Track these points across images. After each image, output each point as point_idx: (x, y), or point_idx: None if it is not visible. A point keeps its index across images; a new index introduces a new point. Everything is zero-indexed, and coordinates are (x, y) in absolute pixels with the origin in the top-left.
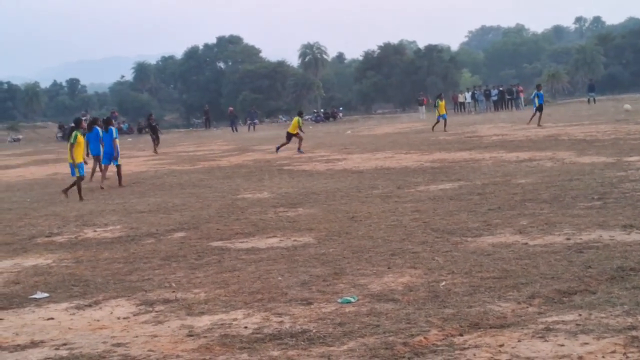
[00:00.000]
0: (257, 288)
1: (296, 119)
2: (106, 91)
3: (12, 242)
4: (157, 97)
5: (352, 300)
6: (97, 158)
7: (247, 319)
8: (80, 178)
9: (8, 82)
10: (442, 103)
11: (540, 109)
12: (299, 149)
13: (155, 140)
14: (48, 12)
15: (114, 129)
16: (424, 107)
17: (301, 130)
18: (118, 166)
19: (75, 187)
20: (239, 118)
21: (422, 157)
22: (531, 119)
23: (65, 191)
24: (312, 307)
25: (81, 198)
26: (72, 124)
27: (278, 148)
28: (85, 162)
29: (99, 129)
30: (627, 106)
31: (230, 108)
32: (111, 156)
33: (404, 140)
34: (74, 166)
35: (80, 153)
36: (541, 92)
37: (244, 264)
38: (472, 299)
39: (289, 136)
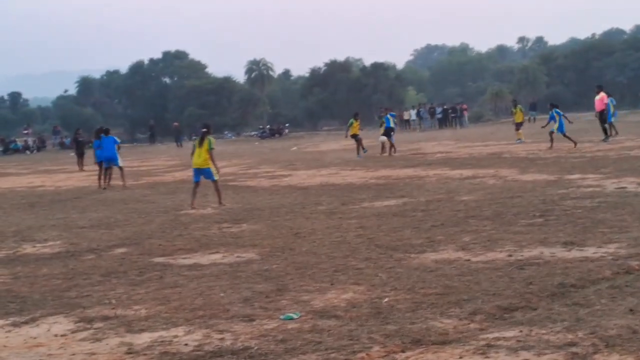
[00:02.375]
0: (199, 305)
1: (351, 120)
2: (49, 105)
3: None
4: (102, 112)
5: (295, 316)
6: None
7: (187, 336)
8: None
9: None
10: (356, 123)
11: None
12: (358, 153)
13: (80, 156)
14: None
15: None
16: None
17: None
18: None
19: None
20: (184, 133)
21: (367, 173)
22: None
23: (221, 201)
24: (254, 323)
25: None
26: (204, 130)
27: (359, 151)
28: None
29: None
30: (383, 138)
31: (175, 123)
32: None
33: (349, 156)
34: (213, 170)
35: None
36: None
37: (186, 280)
38: (414, 315)
39: (356, 137)
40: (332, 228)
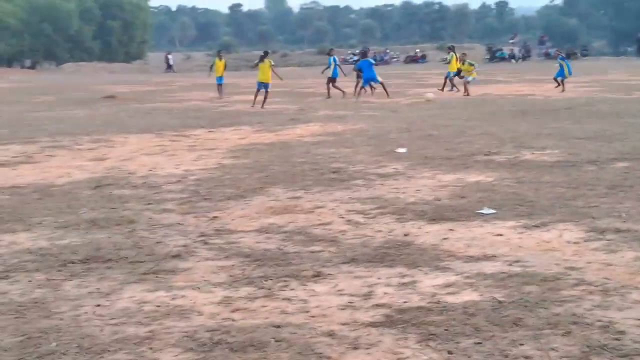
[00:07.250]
0: None
1: (452, 54)
2: (534, 14)
3: (452, 157)
4: (586, 23)
5: None
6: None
7: None
8: None
9: (439, 3)
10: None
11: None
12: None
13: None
14: None
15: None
16: None
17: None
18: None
19: None
20: None
21: None
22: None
23: None
24: None
25: None
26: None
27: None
28: None
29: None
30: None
31: None
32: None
33: None
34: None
35: None
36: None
37: None
38: None
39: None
40: None
